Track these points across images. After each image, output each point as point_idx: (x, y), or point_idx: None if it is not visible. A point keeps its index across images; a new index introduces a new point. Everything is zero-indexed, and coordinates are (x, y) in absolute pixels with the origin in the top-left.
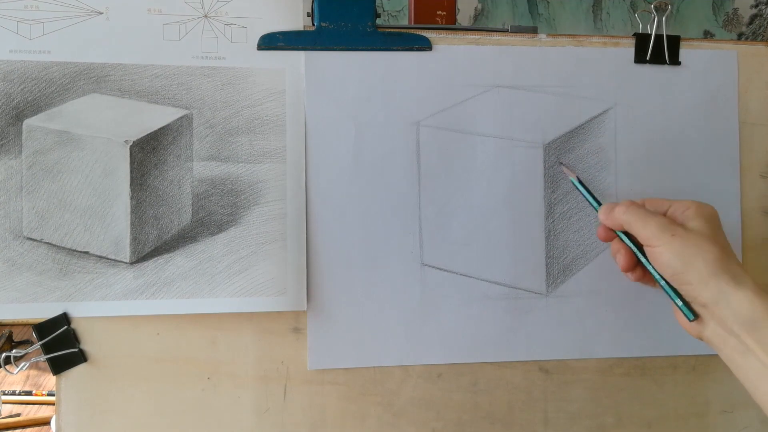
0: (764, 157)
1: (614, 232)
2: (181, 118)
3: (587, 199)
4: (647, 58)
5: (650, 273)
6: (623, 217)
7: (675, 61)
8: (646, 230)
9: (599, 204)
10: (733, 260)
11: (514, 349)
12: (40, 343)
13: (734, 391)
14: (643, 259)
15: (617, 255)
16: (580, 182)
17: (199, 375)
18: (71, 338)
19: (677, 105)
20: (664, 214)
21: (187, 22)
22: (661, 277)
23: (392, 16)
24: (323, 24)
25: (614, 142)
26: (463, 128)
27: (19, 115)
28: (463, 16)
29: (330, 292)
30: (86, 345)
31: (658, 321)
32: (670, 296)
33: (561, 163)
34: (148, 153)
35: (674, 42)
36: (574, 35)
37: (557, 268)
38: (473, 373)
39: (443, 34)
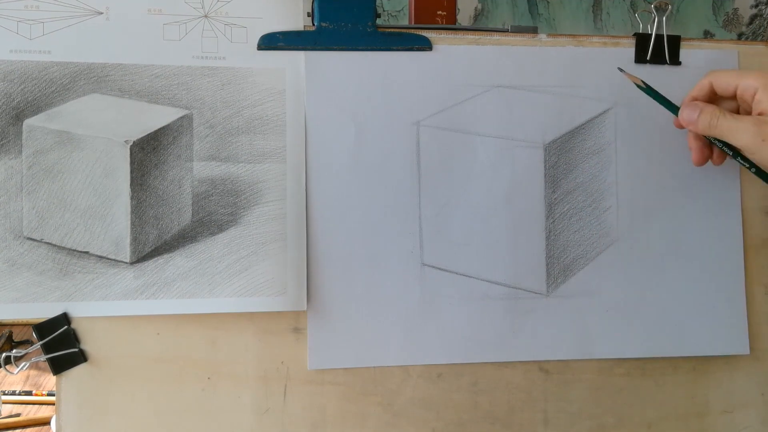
0: None
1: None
2: (181, 118)
3: (662, 105)
4: (647, 58)
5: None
6: (712, 131)
7: (675, 61)
8: (739, 141)
9: (677, 108)
10: None
11: (514, 349)
12: (40, 343)
13: (734, 391)
14: (739, 159)
15: (692, 150)
16: (649, 87)
17: (199, 375)
18: (71, 338)
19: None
20: (734, 94)
21: (187, 22)
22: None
23: (392, 16)
24: (323, 24)
25: (614, 142)
26: (463, 128)
27: (19, 115)
28: (463, 16)
29: (330, 292)
30: (86, 345)
31: (658, 321)
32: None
33: (620, 69)
34: (149, 153)
35: (674, 42)
36: (574, 35)
37: (557, 268)
38: (473, 373)
39: (443, 34)
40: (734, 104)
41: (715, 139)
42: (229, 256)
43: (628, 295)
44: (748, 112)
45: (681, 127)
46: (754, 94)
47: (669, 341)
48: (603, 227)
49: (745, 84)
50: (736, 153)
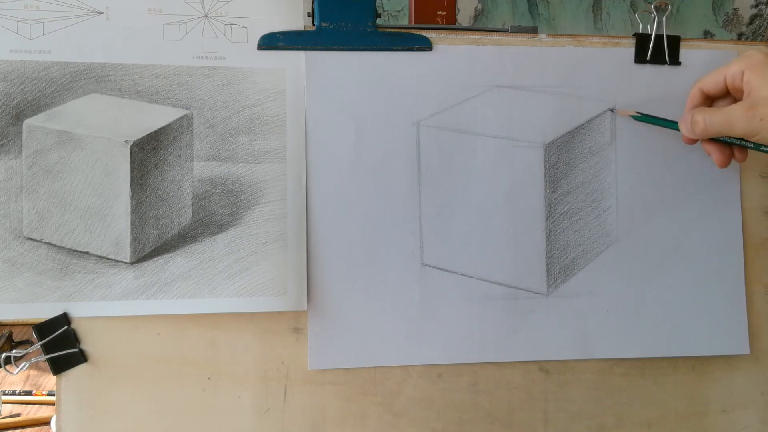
0: (764, 157)
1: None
2: (182, 118)
3: (663, 126)
4: (647, 58)
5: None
6: (710, 132)
7: (675, 61)
8: (737, 130)
9: (675, 123)
10: None
11: (514, 349)
12: (40, 343)
13: (734, 391)
14: (750, 145)
15: (711, 155)
16: (644, 115)
17: (199, 375)
18: (71, 338)
19: (677, 105)
20: (726, 89)
21: (188, 22)
22: None
23: (392, 16)
24: (323, 24)
25: (614, 142)
26: (463, 128)
27: (19, 115)
28: (463, 16)
29: (330, 292)
30: (86, 345)
31: (658, 321)
32: None
33: (611, 110)
34: (149, 153)
35: (674, 42)
36: (574, 35)
37: (558, 268)
38: (473, 373)
39: (443, 34)
40: (731, 100)
41: (730, 137)
42: (230, 256)
43: (628, 295)
44: None
45: (692, 141)
46: (742, 77)
47: (669, 341)
48: (603, 227)
49: (731, 72)
50: (749, 142)
